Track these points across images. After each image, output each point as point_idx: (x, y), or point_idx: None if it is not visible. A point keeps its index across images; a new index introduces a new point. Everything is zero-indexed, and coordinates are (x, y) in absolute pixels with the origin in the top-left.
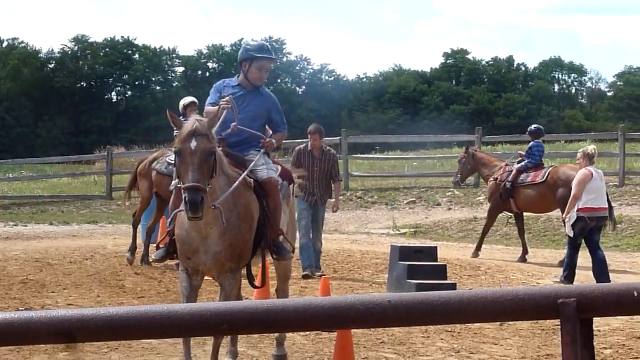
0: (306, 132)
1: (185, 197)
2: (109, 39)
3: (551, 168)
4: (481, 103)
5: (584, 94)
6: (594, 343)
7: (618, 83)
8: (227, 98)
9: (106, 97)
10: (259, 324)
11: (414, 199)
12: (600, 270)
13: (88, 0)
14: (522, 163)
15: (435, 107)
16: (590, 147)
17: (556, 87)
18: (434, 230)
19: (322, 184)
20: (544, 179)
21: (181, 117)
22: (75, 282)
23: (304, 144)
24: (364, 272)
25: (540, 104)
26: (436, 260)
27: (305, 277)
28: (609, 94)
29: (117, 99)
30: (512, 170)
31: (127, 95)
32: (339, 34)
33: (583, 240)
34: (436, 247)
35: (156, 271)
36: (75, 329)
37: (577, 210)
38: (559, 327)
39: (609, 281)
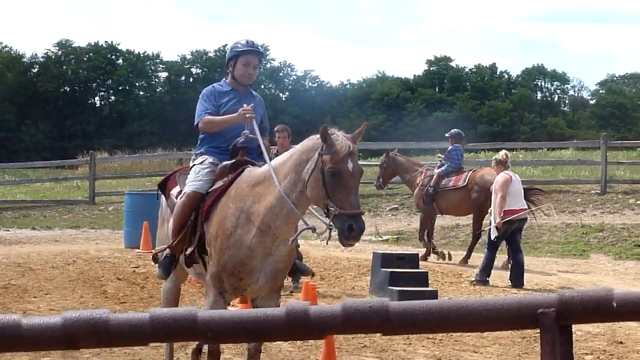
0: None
1: (352, 224)
2: (93, 43)
3: (471, 172)
4: (464, 110)
5: (567, 102)
6: (576, 349)
7: (600, 91)
8: (250, 107)
9: (89, 102)
10: (245, 333)
11: (397, 205)
12: (517, 274)
13: (72, 5)
14: (443, 167)
15: (419, 113)
16: (502, 153)
17: (539, 95)
18: (416, 237)
19: None
20: (464, 184)
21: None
22: (58, 287)
23: (274, 148)
24: (351, 280)
25: (522, 112)
26: (418, 268)
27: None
28: (592, 102)
29: (100, 103)
30: (433, 175)
31: (110, 100)
32: (322, 40)
33: (505, 242)
34: (418, 254)
35: (138, 277)
36: (57, 336)
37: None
38: (539, 335)
39: (522, 285)
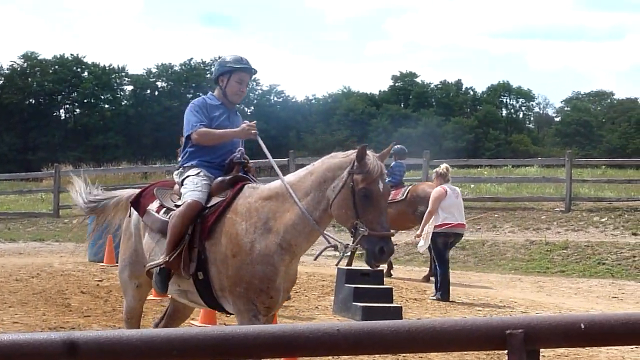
0: (253, 152)
1: (383, 247)
2: (59, 56)
3: (410, 187)
4: (429, 126)
5: (532, 119)
6: None
7: (565, 108)
8: (253, 123)
9: (54, 114)
10: (210, 351)
11: None
12: (444, 288)
13: (38, 17)
14: None
15: (384, 129)
16: (443, 166)
17: (504, 112)
18: None
19: None
20: (404, 197)
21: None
22: (21, 301)
23: None
24: (310, 295)
25: (488, 128)
26: (382, 284)
27: None
28: (557, 119)
29: (65, 116)
30: None
31: (75, 112)
32: (288, 55)
33: (431, 255)
34: (382, 270)
35: (102, 290)
36: (27, 353)
37: (435, 226)
38: (504, 353)
39: (448, 299)
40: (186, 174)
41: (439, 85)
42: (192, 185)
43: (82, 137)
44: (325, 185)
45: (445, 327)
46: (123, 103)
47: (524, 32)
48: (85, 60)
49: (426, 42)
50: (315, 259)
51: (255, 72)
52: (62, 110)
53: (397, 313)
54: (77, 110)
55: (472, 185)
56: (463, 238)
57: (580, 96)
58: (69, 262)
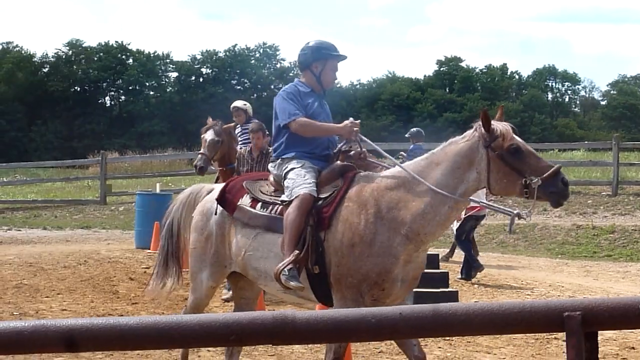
0: None
1: (562, 178)
2: (103, 43)
3: None
4: (474, 111)
5: (578, 102)
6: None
7: (612, 92)
8: (358, 122)
9: (100, 101)
10: (268, 336)
11: None
12: (467, 268)
13: (83, 5)
14: None
15: (429, 114)
16: None
17: (549, 96)
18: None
19: None
20: None
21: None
22: (69, 287)
23: (244, 147)
24: None
25: (533, 112)
26: (438, 268)
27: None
28: (603, 102)
29: (110, 103)
30: None
31: (120, 100)
32: (331, 40)
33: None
34: (438, 254)
35: (149, 277)
36: (86, 338)
37: (467, 209)
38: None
39: (471, 278)
40: (288, 166)
41: (484, 70)
42: (300, 179)
43: (127, 124)
44: (461, 171)
45: (503, 309)
46: (168, 90)
47: (568, 16)
48: (129, 47)
49: (469, 27)
50: (509, 232)
51: (345, 58)
52: (107, 98)
53: (453, 297)
54: (122, 97)
55: None
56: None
57: (626, 79)
58: (116, 249)
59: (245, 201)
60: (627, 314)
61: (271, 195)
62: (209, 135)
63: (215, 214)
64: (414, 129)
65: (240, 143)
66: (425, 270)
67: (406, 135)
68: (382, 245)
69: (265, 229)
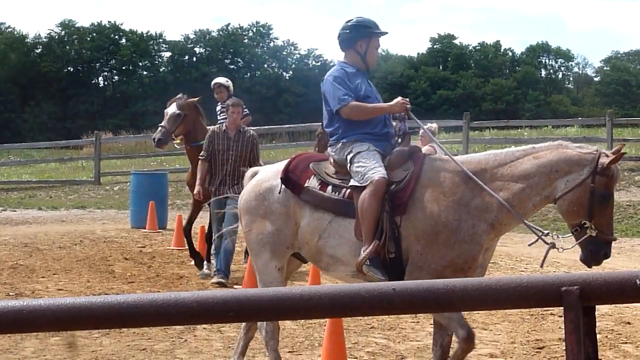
0: (293, 116)
1: (607, 252)
2: (96, 23)
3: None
4: (468, 88)
5: (571, 79)
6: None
7: (605, 68)
8: (407, 99)
9: (93, 82)
10: (265, 312)
11: None
12: None
13: None
14: None
15: (422, 92)
16: (434, 126)
17: (543, 73)
18: None
19: (235, 174)
20: None
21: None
22: (65, 268)
23: (219, 125)
24: None
25: (527, 89)
26: None
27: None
28: (596, 79)
29: (104, 84)
30: None
31: (114, 80)
32: (325, 18)
33: None
34: None
35: (145, 256)
36: (84, 316)
37: None
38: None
39: None
40: (353, 150)
41: (478, 47)
42: (371, 162)
43: (121, 104)
44: (557, 175)
45: (501, 284)
46: (161, 70)
47: None
48: (122, 27)
49: (462, 4)
50: (541, 266)
51: (387, 34)
52: (100, 78)
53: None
54: (116, 77)
55: (513, 146)
56: None
57: (619, 55)
58: (112, 229)
59: (313, 183)
60: (624, 288)
61: (339, 179)
62: (171, 109)
63: (279, 193)
64: None
65: (220, 121)
66: None
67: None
68: (468, 233)
69: (337, 214)
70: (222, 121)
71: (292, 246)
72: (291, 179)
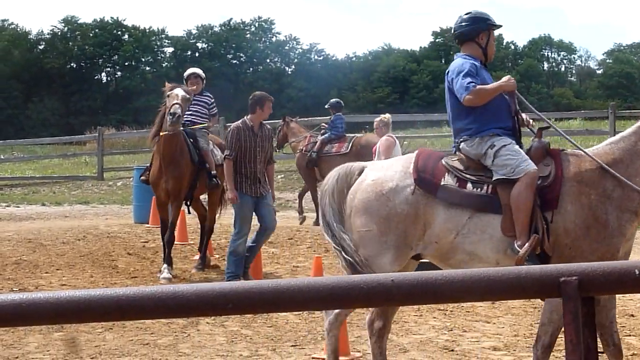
0: (295, 111)
1: None
2: (99, 19)
3: (354, 138)
4: None
5: (574, 72)
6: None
7: (607, 61)
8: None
9: (96, 78)
10: (265, 304)
11: None
12: None
13: None
14: (326, 135)
15: (425, 86)
16: (387, 116)
17: (545, 66)
18: None
19: (264, 169)
20: (348, 150)
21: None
22: (69, 263)
23: (242, 120)
24: None
25: (529, 82)
26: None
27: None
28: (599, 72)
29: (106, 79)
30: (317, 142)
31: (116, 76)
32: (328, 13)
33: None
34: None
35: (148, 251)
36: (83, 309)
37: None
38: (562, 304)
39: None
40: (496, 144)
41: None
42: (519, 155)
43: (124, 100)
44: None
45: (499, 275)
46: (164, 65)
47: None
48: (125, 23)
49: None
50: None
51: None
52: (103, 74)
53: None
54: (118, 73)
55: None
56: None
57: (622, 48)
58: (115, 224)
59: (449, 181)
60: (623, 278)
61: (473, 174)
62: (180, 92)
63: (412, 194)
64: (333, 100)
65: (187, 115)
66: None
67: (326, 107)
68: (614, 226)
69: (478, 210)
70: (192, 113)
71: (416, 247)
72: (425, 179)
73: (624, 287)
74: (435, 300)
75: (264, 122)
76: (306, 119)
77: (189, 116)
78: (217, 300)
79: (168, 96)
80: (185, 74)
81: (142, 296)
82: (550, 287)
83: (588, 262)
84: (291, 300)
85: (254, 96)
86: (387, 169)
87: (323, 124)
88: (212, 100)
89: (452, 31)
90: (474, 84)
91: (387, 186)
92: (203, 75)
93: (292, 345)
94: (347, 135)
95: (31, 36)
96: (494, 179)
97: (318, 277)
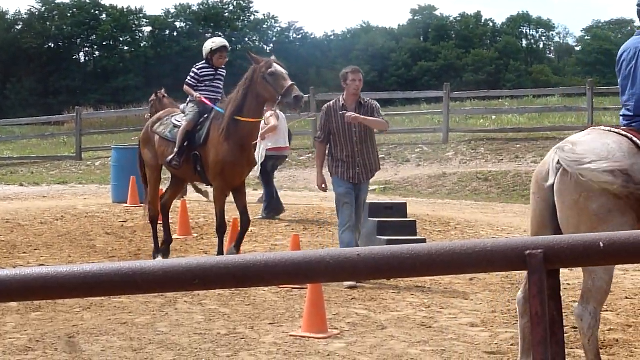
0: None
1: None
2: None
3: None
4: (449, 59)
5: (552, 49)
6: (564, 297)
7: (586, 38)
8: None
9: (74, 57)
10: (231, 279)
11: (383, 155)
12: (271, 205)
13: None
14: None
15: (404, 63)
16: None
17: (524, 43)
18: (403, 187)
19: (365, 150)
20: None
21: (203, 64)
22: (47, 243)
23: (334, 100)
24: (334, 229)
25: (508, 60)
26: (406, 217)
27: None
28: (577, 48)
29: (85, 59)
30: None
31: (95, 55)
32: None
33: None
34: (406, 203)
35: (126, 231)
36: (50, 286)
37: (268, 150)
38: (527, 277)
39: (279, 213)
40: None
41: (458, 18)
42: None
43: (102, 79)
44: None
45: (465, 249)
46: (142, 44)
47: None
48: (102, 2)
49: None
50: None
51: None
52: (81, 54)
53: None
54: (97, 53)
55: (494, 117)
56: (486, 169)
57: (600, 25)
58: (93, 204)
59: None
60: (589, 251)
61: None
62: (282, 69)
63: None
64: None
65: (208, 91)
66: (394, 219)
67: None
68: None
69: None
70: (210, 93)
71: None
72: None
73: (590, 260)
74: (402, 274)
75: (365, 97)
76: None
77: (210, 93)
78: (183, 275)
79: (271, 74)
80: (213, 46)
81: (108, 272)
82: (516, 260)
83: (554, 235)
84: (257, 276)
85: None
86: (604, 146)
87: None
88: (225, 72)
89: (636, 6)
90: None
91: (622, 165)
92: (229, 47)
93: (270, 323)
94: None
95: (8, 16)
96: None
97: (285, 252)
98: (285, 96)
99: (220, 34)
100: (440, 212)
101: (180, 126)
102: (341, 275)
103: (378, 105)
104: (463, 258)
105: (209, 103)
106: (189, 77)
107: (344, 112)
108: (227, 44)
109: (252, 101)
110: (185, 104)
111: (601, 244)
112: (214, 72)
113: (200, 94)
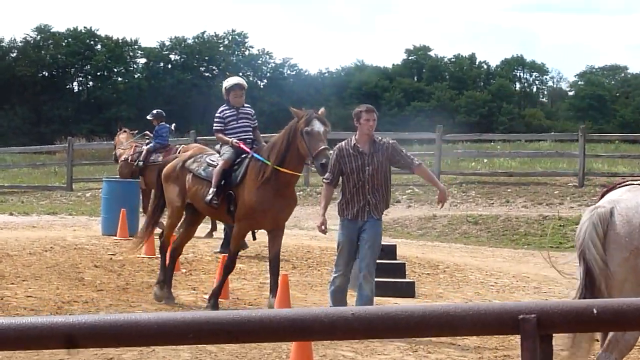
0: (267, 125)
1: None
2: (72, 29)
3: (181, 147)
4: (442, 100)
5: (545, 92)
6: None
7: (579, 82)
8: None
9: (68, 87)
10: (225, 335)
11: None
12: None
13: None
14: (151, 144)
15: (397, 103)
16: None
17: (517, 86)
18: (393, 227)
19: (377, 188)
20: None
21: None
22: (35, 274)
23: (345, 140)
24: (322, 269)
25: (501, 102)
26: (395, 258)
27: None
28: (570, 93)
29: (78, 89)
30: (142, 151)
31: (88, 85)
32: (301, 27)
33: None
34: (395, 245)
35: (115, 264)
36: (45, 336)
37: None
38: (520, 341)
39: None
40: None
41: (452, 59)
42: None
43: (95, 109)
44: None
45: (458, 311)
46: (136, 76)
47: (537, 6)
48: (98, 33)
49: (437, 15)
50: None
51: None
52: (75, 83)
53: (410, 288)
54: (90, 83)
55: (485, 160)
56: (476, 212)
57: (594, 70)
58: (82, 236)
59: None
60: (582, 317)
61: None
62: (321, 127)
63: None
64: (155, 110)
65: (236, 130)
66: (383, 261)
67: (148, 117)
68: None
69: None
70: (236, 133)
71: None
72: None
73: (582, 326)
74: (396, 335)
75: (376, 137)
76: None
77: (240, 134)
78: (177, 330)
79: (307, 133)
80: (227, 84)
81: (102, 325)
82: (509, 325)
83: (546, 300)
84: (252, 332)
85: None
86: None
87: (147, 133)
88: (253, 111)
89: None
90: None
91: None
92: (246, 85)
93: None
94: (171, 144)
95: (3, 44)
96: None
97: (279, 309)
98: (315, 159)
99: (214, 67)
100: (429, 255)
101: (215, 165)
102: (335, 333)
103: (396, 143)
104: (457, 320)
105: (248, 150)
106: (214, 123)
107: (441, 204)
108: (243, 82)
109: (295, 155)
110: (219, 145)
111: (594, 310)
112: (235, 112)
113: (235, 140)
